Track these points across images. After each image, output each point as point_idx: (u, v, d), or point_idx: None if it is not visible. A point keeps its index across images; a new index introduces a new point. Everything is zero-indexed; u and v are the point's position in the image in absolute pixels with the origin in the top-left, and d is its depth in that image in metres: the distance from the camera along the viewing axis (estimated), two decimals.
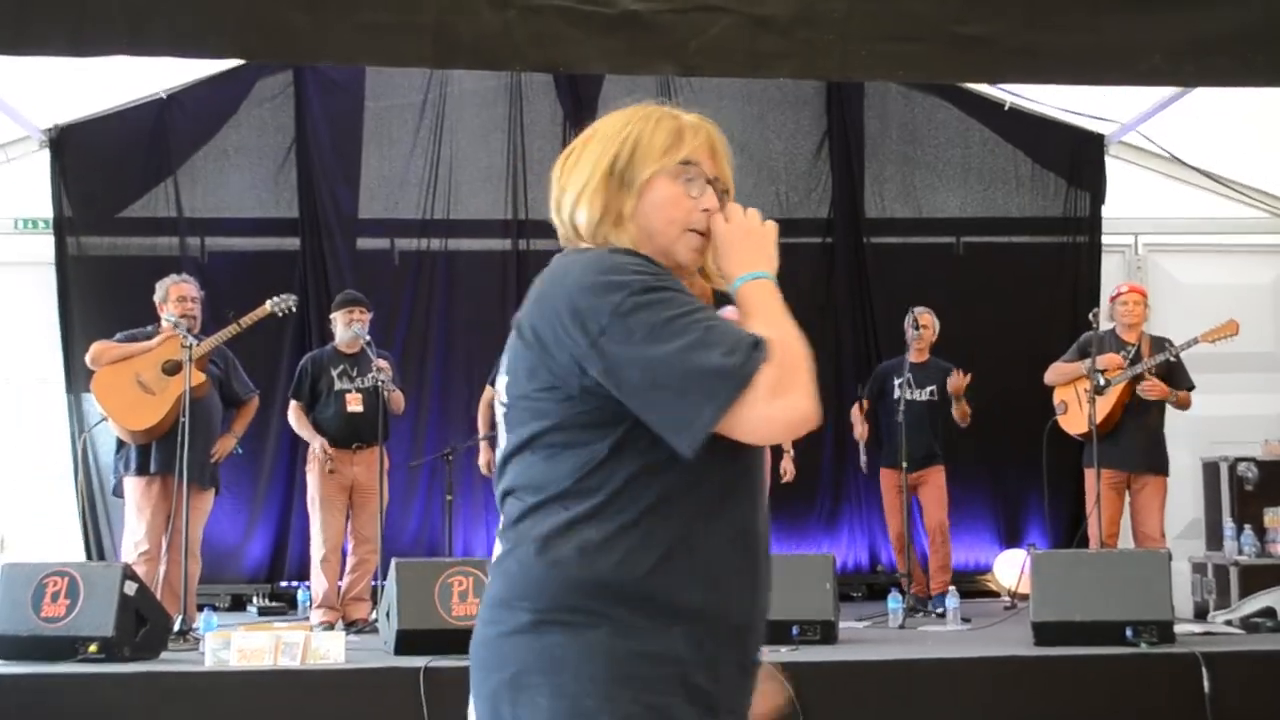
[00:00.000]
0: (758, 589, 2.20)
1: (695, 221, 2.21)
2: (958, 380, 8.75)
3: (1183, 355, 8.19)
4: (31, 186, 10.03)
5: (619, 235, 2.19)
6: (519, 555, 2.11)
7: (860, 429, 9.12)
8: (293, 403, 8.31)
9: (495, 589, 2.14)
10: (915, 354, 8.97)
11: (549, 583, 2.06)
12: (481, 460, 8.75)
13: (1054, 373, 8.54)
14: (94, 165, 10.12)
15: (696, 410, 1.97)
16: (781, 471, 9.04)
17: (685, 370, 1.97)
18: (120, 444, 7.73)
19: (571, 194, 2.23)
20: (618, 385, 2.03)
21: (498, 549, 2.20)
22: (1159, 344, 8.31)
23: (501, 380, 2.21)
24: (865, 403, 9.22)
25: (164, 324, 7.63)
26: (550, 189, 2.29)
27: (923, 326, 8.92)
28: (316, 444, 8.09)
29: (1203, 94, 8.65)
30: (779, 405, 1.98)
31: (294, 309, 8.15)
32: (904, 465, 8.59)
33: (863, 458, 9.24)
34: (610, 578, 2.04)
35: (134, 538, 7.56)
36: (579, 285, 2.09)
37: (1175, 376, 8.27)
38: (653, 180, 2.20)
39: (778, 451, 9.05)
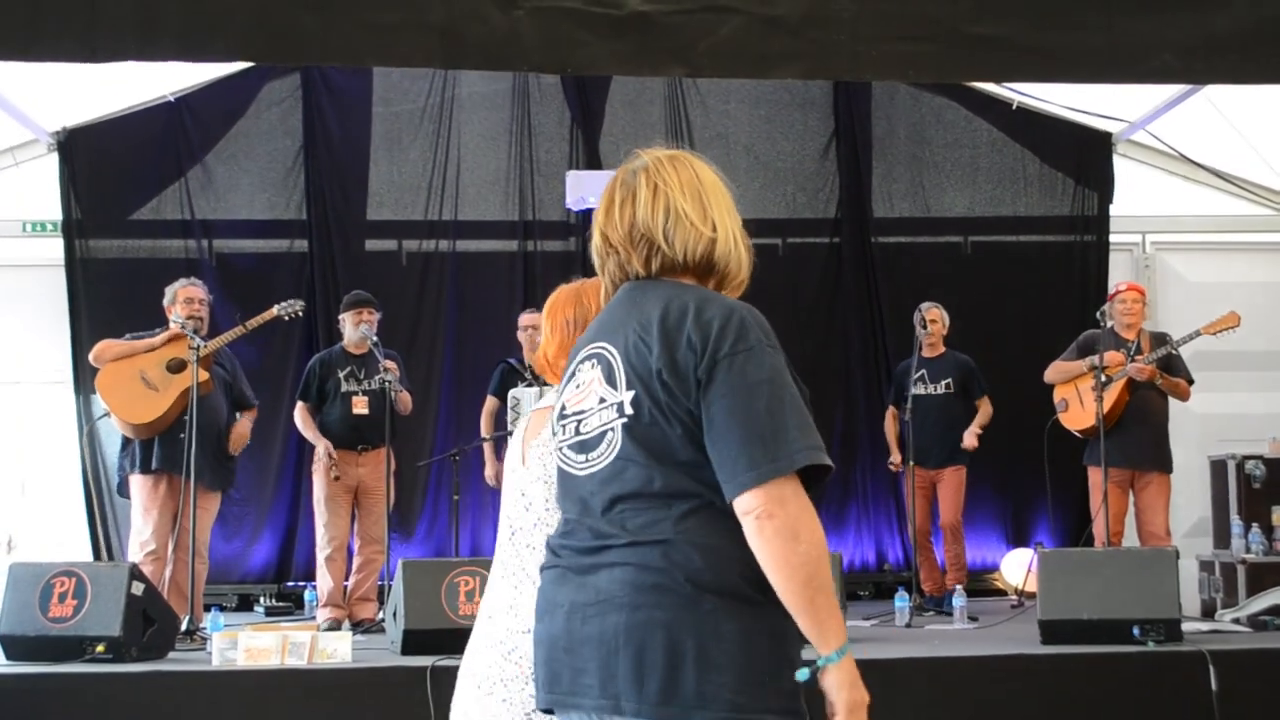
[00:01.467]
0: None
1: None
2: (972, 442, 8.85)
3: (1191, 351, 8.17)
4: (40, 189, 10.06)
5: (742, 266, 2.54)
6: (681, 551, 2.31)
7: (890, 429, 9.14)
8: (299, 404, 8.32)
9: (659, 580, 2.31)
10: (928, 349, 8.98)
11: (718, 574, 2.30)
12: (489, 472, 8.68)
13: (1054, 370, 8.53)
14: (103, 168, 10.15)
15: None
16: None
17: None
18: (126, 442, 7.74)
19: (727, 240, 2.50)
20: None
21: (618, 547, 2.37)
22: (1159, 341, 8.31)
23: (621, 394, 2.40)
24: (892, 409, 9.22)
25: (172, 326, 7.65)
26: (649, 213, 2.48)
27: (931, 322, 8.93)
28: (321, 447, 8.10)
29: (1210, 92, 8.64)
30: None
31: (300, 314, 8.16)
32: (913, 462, 8.63)
33: (894, 456, 9.22)
34: (759, 574, 2.29)
35: (140, 537, 7.56)
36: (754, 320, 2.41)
37: (1173, 370, 8.27)
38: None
39: None
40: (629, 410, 2.38)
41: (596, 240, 2.57)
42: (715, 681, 2.25)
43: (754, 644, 2.28)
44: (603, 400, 2.44)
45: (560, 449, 2.55)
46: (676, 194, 2.47)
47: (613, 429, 2.41)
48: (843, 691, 2.28)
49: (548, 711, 2.50)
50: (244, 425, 7.92)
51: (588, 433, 2.46)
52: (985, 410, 8.95)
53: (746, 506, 2.24)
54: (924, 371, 8.93)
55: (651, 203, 2.48)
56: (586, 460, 2.45)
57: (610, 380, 2.43)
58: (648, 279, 2.49)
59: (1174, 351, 8.17)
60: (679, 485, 2.33)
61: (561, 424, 2.55)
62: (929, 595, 8.73)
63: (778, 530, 2.22)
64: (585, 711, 2.38)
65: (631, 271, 2.51)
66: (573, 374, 2.54)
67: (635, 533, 2.35)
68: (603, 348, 2.47)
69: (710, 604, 2.27)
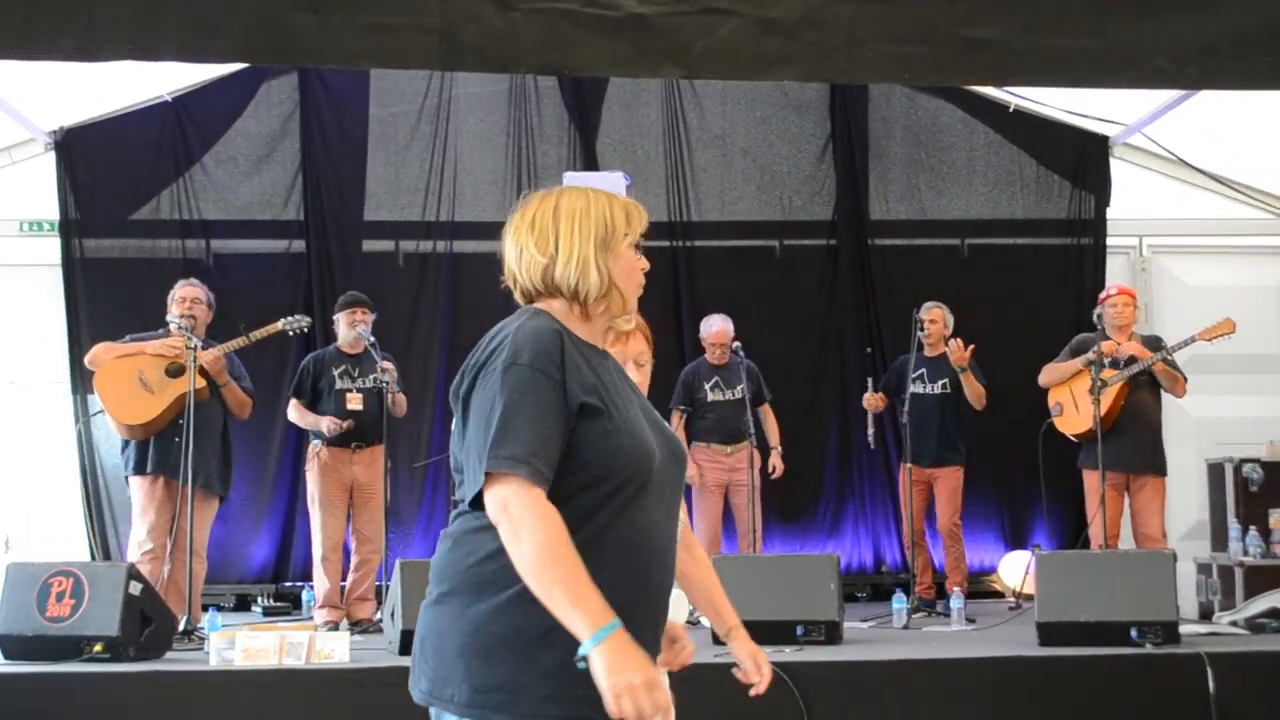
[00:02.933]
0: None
1: (641, 279, 2.78)
2: (956, 351, 8.71)
3: (1188, 355, 8.18)
4: (37, 189, 10.04)
5: (610, 299, 2.69)
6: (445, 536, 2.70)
7: (872, 403, 9.11)
8: (293, 400, 8.32)
9: None
10: (927, 348, 8.99)
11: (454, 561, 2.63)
12: None
13: (1049, 373, 8.53)
14: (100, 168, 10.13)
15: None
16: (770, 469, 9.03)
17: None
18: (125, 443, 7.75)
19: (568, 262, 2.66)
20: None
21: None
22: (1152, 342, 8.32)
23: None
24: (881, 395, 9.21)
25: (171, 327, 7.66)
26: (510, 249, 2.73)
27: (931, 322, 8.94)
28: (324, 424, 8.06)
29: (1208, 96, 8.64)
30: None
31: (305, 330, 8.18)
32: (909, 463, 8.64)
33: (870, 430, 9.20)
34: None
35: (138, 537, 7.59)
36: None
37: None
38: (624, 252, 2.71)
39: (765, 449, 9.05)
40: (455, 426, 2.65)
41: None
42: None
43: (460, 635, 2.51)
44: None
45: None
46: (522, 230, 2.70)
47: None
48: (602, 679, 2.32)
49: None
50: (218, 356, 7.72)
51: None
52: (979, 393, 8.89)
53: (489, 515, 2.47)
54: (922, 370, 8.94)
55: (509, 243, 2.74)
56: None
57: None
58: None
59: (1168, 357, 8.18)
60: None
61: None
62: (922, 597, 8.73)
63: (503, 535, 2.42)
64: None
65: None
66: None
67: None
68: None
69: (433, 596, 2.61)
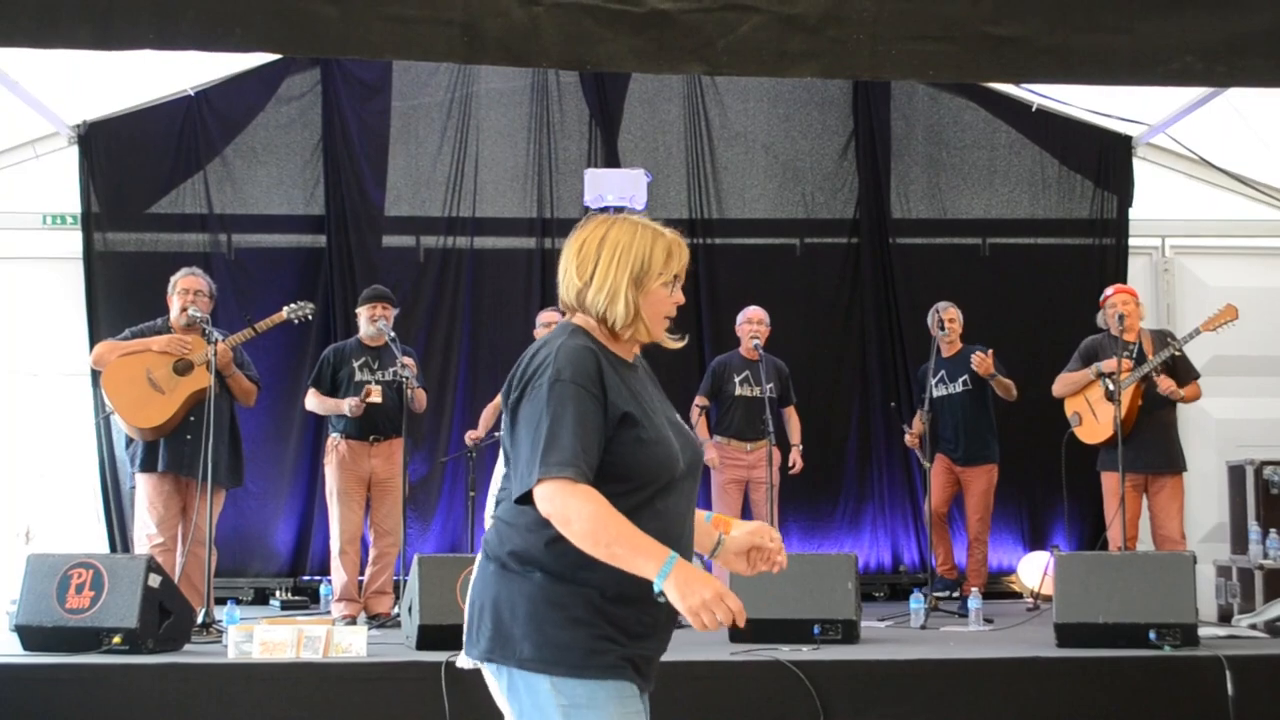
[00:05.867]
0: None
1: (671, 312, 3.06)
2: (980, 362, 8.71)
3: (1209, 356, 8.14)
4: (60, 182, 10.09)
5: (635, 329, 3.00)
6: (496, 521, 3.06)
7: (914, 432, 9.05)
8: (311, 390, 8.30)
9: None
10: (946, 348, 8.97)
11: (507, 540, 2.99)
12: None
13: (1061, 384, 8.51)
14: (122, 161, 10.17)
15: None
16: (791, 464, 9.03)
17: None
18: (129, 439, 7.74)
19: (600, 290, 2.97)
20: None
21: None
22: (1160, 339, 8.28)
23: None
24: (919, 427, 9.19)
25: (173, 317, 7.65)
26: (561, 264, 3.05)
27: (949, 321, 8.92)
28: (345, 405, 8.02)
29: (1231, 95, 8.61)
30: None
31: (310, 316, 8.15)
32: (926, 464, 8.61)
33: (918, 452, 9.16)
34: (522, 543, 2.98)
35: (146, 530, 7.59)
36: None
37: (1179, 369, 8.24)
38: (656, 289, 3.00)
39: (786, 446, 9.04)
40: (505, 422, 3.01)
41: None
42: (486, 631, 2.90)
43: (527, 600, 2.86)
44: None
45: None
46: (571, 252, 3.03)
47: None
48: (681, 602, 2.70)
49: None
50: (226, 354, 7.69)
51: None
52: (1008, 385, 8.87)
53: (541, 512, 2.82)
54: (943, 371, 8.93)
55: (563, 255, 3.07)
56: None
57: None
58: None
59: (1177, 353, 8.14)
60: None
61: None
62: (941, 578, 8.70)
63: (558, 525, 2.77)
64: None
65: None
66: None
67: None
68: None
69: (492, 568, 2.94)
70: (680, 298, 3.06)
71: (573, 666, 2.83)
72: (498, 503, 3.03)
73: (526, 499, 2.82)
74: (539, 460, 2.77)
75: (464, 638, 2.98)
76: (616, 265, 2.97)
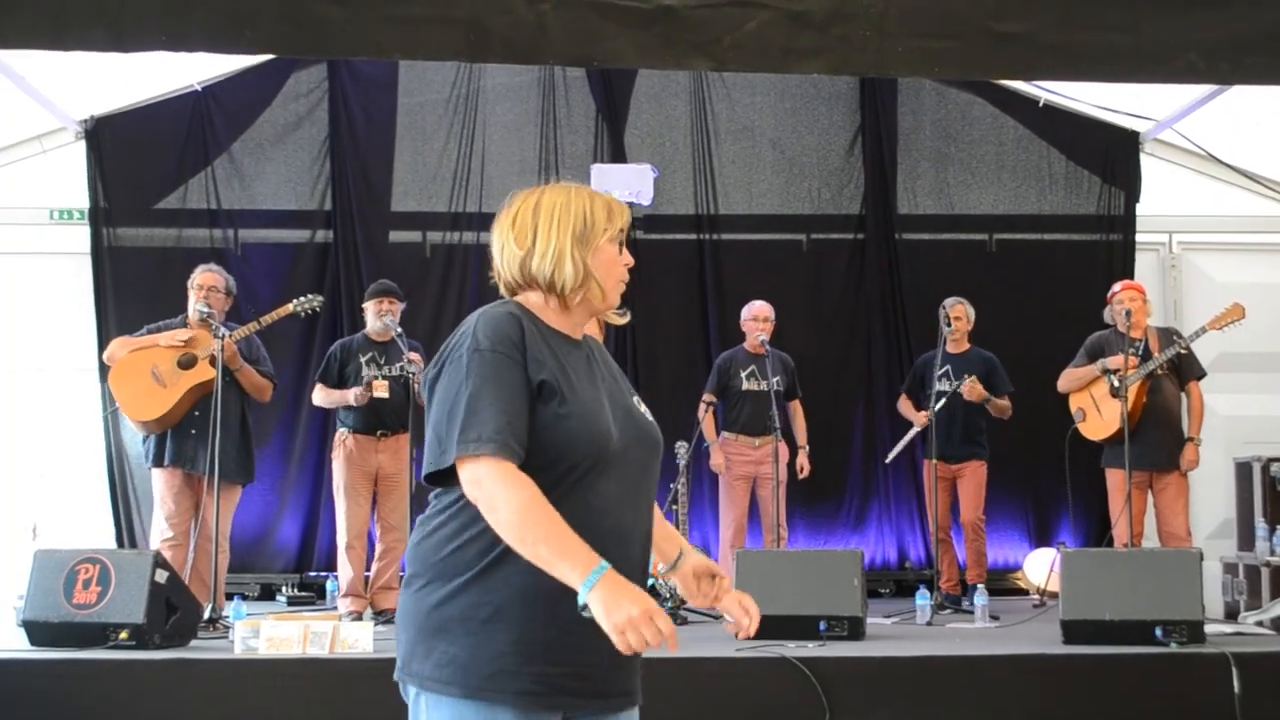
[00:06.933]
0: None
1: (624, 275, 2.86)
2: (970, 390, 8.76)
3: (1216, 353, 8.12)
4: (67, 177, 10.11)
5: (588, 290, 2.78)
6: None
7: (918, 418, 8.97)
8: (318, 384, 8.28)
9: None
10: (953, 345, 8.96)
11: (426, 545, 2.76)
12: None
13: (1067, 379, 8.51)
14: (129, 157, 10.18)
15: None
16: (798, 468, 9.03)
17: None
18: (145, 436, 7.78)
19: (544, 255, 2.76)
20: None
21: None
22: (1165, 335, 8.28)
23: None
24: (905, 397, 9.22)
25: (190, 315, 7.68)
26: (494, 244, 2.87)
27: (955, 319, 8.90)
28: (350, 396, 7.98)
29: (1239, 92, 8.59)
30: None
31: (317, 309, 8.16)
32: (936, 459, 8.62)
33: (917, 444, 9.19)
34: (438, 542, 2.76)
35: (159, 526, 7.65)
36: None
37: (1186, 366, 8.24)
38: (604, 246, 2.79)
39: (794, 447, 9.05)
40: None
41: None
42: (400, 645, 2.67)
43: (420, 615, 2.62)
44: None
45: None
46: (504, 225, 2.84)
47: None
48: (604, 620, 2.41)
49: None
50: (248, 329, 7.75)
51: None
52: (1004, 407, 8.92)
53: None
54: (948, 368, 8.91)
55: (493, 237, 2.88)
56: None
57: None
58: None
59: (1183, 350, 8.14)
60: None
61: None
62: (947, 594, 8.70)
63: (482, 509, 2.52)
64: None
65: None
66: None
67: None
68: None
69: (404, 580, 2.72)
70: (629, 259, 2.87)
71: (474, 689, 2.57)
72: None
73: (442, 479, 2.61)
74: (456, 437, 2.53)
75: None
76: (557, 226, 2.77)
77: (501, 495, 2.49)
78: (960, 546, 9.26)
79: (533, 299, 2.80)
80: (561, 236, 2.76)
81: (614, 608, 2.40)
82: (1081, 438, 8.40)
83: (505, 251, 2.82)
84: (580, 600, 2.42)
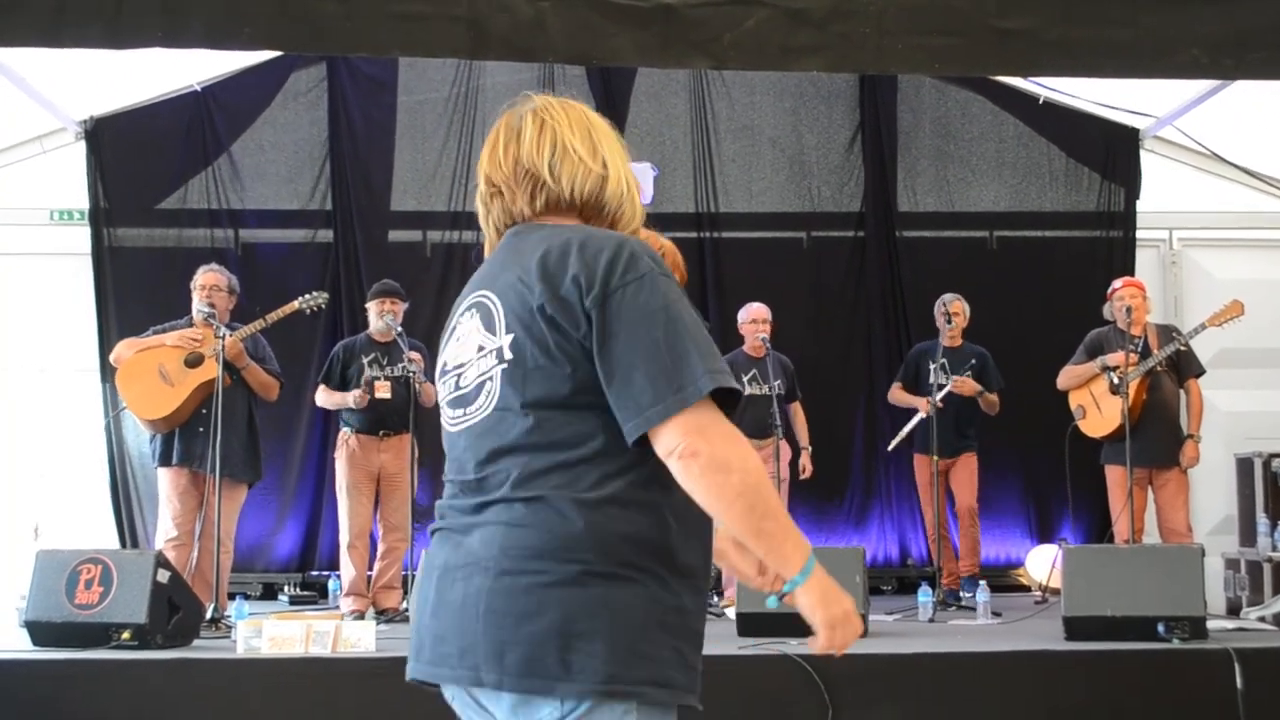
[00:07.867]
0: (712, 549, 2.38)
1: None
2: (960, 385, 8.79)
3: (1216, 349, 8.12)
4: (67, 178, 10.10)
5: (635, 213, 2.38)
6: (556, 510, 2.15)
7: (921, 404, 8.93)
8: (321, 386, 8.30)
9: (529, 540, 2.16)
10: (948, 339, 8.97)
11: (594, 537, 2.13)
12: None
13: (1066, 376, 8.51)
14: (129, 157, 10.18)
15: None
16: (800, 469, 9.04)
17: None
18: (151, 435, 7.79)
19: (619, 181, 2.34)
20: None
21: (494, 504, 2.23)
22: (1165, 333, 8.28)
23: (500, 338, 2.24)
24: (899, 385, 9.23)
25: (194, 313, 7.69)
26: (536, 145, 2.32)
27: (954, 314, 8.92)
28: (350, 398, 8.00)
29: (1239, 88, 8.59)
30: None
31: (323, 307, 8.17)
32: (933, 455, 8.63)
33: (916, 435, 9.16)
34: (647, 536, 2.17)
35: (164, 525, 7.65)
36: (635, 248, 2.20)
37: (1185, 364, 8.24)
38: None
39: (796, 448, 9.05)
40: (509, 355, 2.20)
41: (480, 186, 2.41)
42: (584, 651, 2.09)
43: (626, 611, 2.12)
44: (481, 348, 2.28)
45: (441, 407, 2.42)
46: (565, 130, 2.32)
47: (491, 378, 2.24)
48: (817, 611, 2.17)
49: (421, 684, 2.33)
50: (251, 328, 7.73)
51: (466, 386, 2.30)
52: (993, 402, 8.93)
53: (667, 446, 2.09)
54: (944, 362, 8.92)
55: (537, 138, 2.32)
56: (464, 414, 2.30)
57: (489, 327, 2.27)
58: (532, 221, 2.34)
59: (1183, 347, 8.13)
60: (566, 434, 2.17)
61: (443, 381, 2.41)
62: (947, 589, 8.71)
63: (705, 467, 2.07)
64: (447, 682, 2.26)
65: (517, 213, 2.36)
66: (453, 328, 2.41)
67: (513, 488, 2.18)
68: (483, 295, 2.32)
69: (579, 568, 2.11)
70: None
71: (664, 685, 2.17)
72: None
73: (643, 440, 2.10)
74: (700, 367, 2.07)
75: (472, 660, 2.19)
76: (618, 154, 2.35)
77: (736, 453, 2.08)
78: (956, 540, 9.27)
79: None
80: (624, 167, 2.36)
81: (833, 600, 2.17)
82: (1081, 435, 8.40)
83: (568, 162, 2.31)
84: (790, 585, 2.16)
